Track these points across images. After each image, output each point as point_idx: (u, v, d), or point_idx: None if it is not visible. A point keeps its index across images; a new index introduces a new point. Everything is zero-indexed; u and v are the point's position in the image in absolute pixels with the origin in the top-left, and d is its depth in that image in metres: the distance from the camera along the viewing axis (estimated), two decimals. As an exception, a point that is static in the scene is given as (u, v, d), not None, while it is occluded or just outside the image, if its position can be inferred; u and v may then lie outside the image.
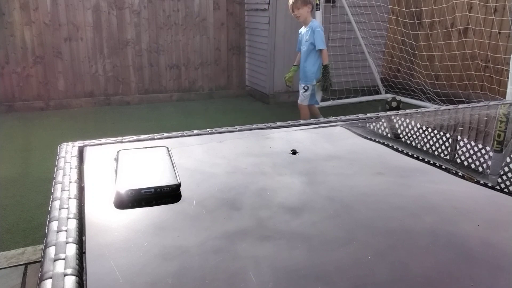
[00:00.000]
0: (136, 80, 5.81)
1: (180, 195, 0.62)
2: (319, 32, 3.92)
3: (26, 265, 2.13)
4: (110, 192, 0.62)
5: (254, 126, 0.99)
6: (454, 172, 0.76)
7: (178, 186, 0.62)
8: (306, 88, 4.16)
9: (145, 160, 0.72)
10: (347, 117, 1.08)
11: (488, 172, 0.77)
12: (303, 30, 4.14)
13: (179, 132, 0.94)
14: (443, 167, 0.78)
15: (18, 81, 5.21)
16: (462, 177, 0.74)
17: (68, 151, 0.80)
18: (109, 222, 0.55)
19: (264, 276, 0.44)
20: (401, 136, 0.98)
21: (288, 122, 1.02)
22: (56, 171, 0.70)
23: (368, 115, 1.10)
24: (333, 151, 0.85)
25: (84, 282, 0.43)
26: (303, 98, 4.22)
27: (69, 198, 0.60)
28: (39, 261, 0.51)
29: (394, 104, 5.48)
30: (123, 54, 5.65)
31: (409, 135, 0.98)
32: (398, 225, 0.55)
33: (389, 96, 5.78)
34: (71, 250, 0.47)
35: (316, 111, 4.35)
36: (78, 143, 0.84)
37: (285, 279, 0.44)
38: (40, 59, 5.24)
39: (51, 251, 0.46)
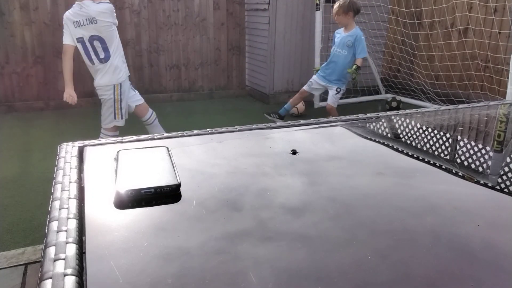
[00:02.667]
0: (136, 80, 5.81)
1: (180, 195, 0.62)
2: (364, 40, 4.15)
3: (26, 265, 2.13)
4: (110, 192, 0.62)
5: (254, 126, 0.99)
6: (454, 172, 0.75)
7: (178, 186, 0.62)
8: (339, 90, 4.31)
9: (145, 160, 0.72)
10: (347, 117, 1.08)
11: (489, 172, 0.77)
12: (342, 32, 4.26)
13: (179, 132, 0.94)
14: (444, 167, 0.77)
15: (18, 81, 5.21)
16: (463, 177, 0.74)
17: (68, 151, 0.80)
18: (109, 222, 0.55)
19: (265, 277, 0.44)
20: (401, 136, 0.98)
21: (288, 122, 1.02)
22: (56, 171, 0.70)
23: (368, 115, 1.10)
24: (333, 151, 0.85)
25: (84, 282, 0.43)
26: (334, 100, 4.34)
27: (69, 198, 0.59)
28: (39, 261, 0.51)
29: (394, 104, 5.48)
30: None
31: (409, 135, 0.98)
32: (399, 226, 0.55)
33: (389, 96, 5.78)
34: (71, 250, 0.46)
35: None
36: (78, 143, 0.84)
37: (286, 280, 0.43)
38: (40, 59, 5.24)
39: (51, 251, 0.46)
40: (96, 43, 3.13)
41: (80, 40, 3.14)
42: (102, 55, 3.17)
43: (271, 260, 0.47)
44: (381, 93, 6.02)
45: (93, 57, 3.17)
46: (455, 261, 0.47)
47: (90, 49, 3.15)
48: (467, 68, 5.26)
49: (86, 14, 3.06)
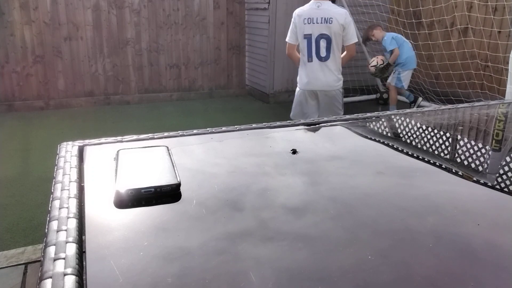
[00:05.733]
0: (136, 80, 5.81)
1: (180, 194, 0.62)
2: (385, 40, 4.93)
3: (26, 264, 2.13)
4: (110, 192, 0.62)
5: (254, 125, 0.99)
6: (455, 171, 0.75)
7: (178, 185, 0.62)
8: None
9: (145, 159, 0.72)
10: (347, 116, 1.08)
11: (489, 172, 0.77)
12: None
13: (179, 131, 0.93)
14: (444, 166, 0.77)
15: (18, 81, 5.21)
16: (463, 176, 0.74)
17: (68, 150, 0.80)
18: (109, 221, 0.55)
19: (266, 277, 0.44)
20: (401, 135, 0.98)
21: (288, 121, 1.02)
22: (56, 170, 0.70)
23: (368, 114, 1.10)
24: (333, 150, 0.85)
25: (84, 282, 0.43)
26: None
27: (69, 197, 0.59)
28: (39, 261, 0.51)
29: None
30: (123, 53, 5.65)
31: (409, 134, 0.98)
32: (400, 225, 0.55)
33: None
34: (71, 249, 0.46)
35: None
36: (78, 143, 0.84)
37: (287, 280, 0.43)
38: (40, 58, 5.24)
39: (51, 250, 0.46)
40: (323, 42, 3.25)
41: (308, 37, 3.25)
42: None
43: (271, 260, 0.47)
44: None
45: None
46: (455, 260, 0.47)
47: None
48: (466, 67, 5.26)
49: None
